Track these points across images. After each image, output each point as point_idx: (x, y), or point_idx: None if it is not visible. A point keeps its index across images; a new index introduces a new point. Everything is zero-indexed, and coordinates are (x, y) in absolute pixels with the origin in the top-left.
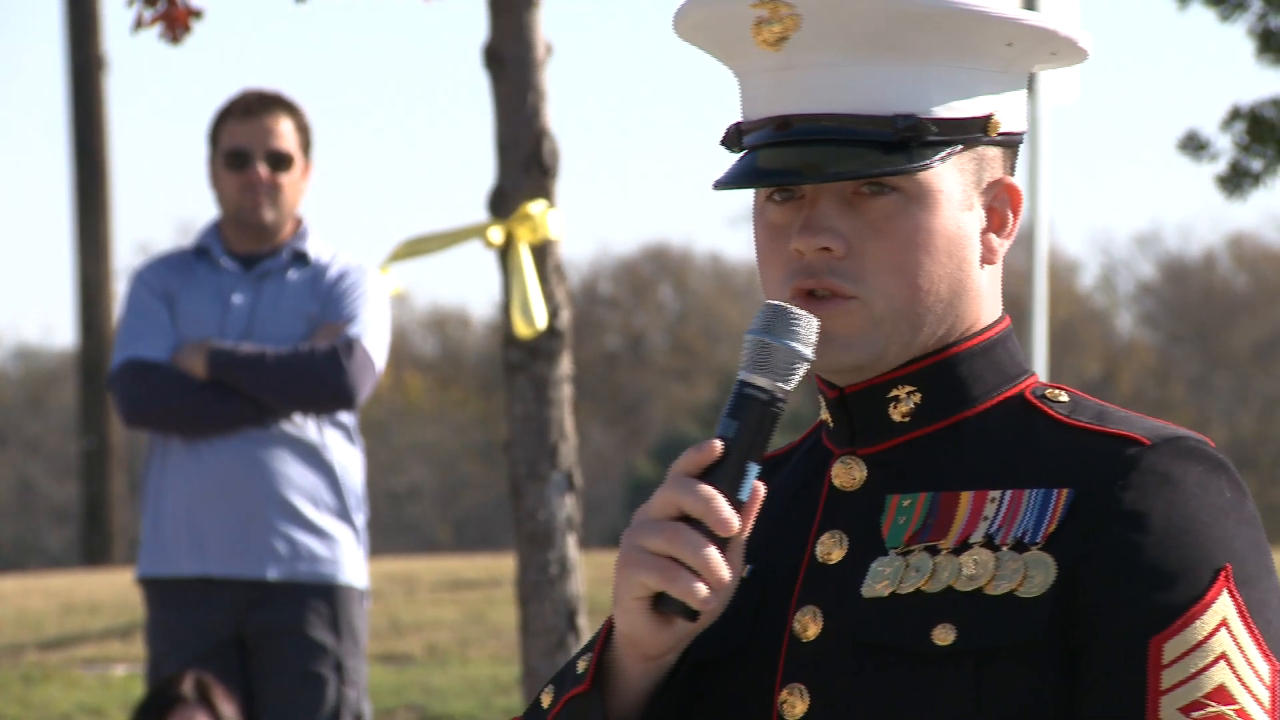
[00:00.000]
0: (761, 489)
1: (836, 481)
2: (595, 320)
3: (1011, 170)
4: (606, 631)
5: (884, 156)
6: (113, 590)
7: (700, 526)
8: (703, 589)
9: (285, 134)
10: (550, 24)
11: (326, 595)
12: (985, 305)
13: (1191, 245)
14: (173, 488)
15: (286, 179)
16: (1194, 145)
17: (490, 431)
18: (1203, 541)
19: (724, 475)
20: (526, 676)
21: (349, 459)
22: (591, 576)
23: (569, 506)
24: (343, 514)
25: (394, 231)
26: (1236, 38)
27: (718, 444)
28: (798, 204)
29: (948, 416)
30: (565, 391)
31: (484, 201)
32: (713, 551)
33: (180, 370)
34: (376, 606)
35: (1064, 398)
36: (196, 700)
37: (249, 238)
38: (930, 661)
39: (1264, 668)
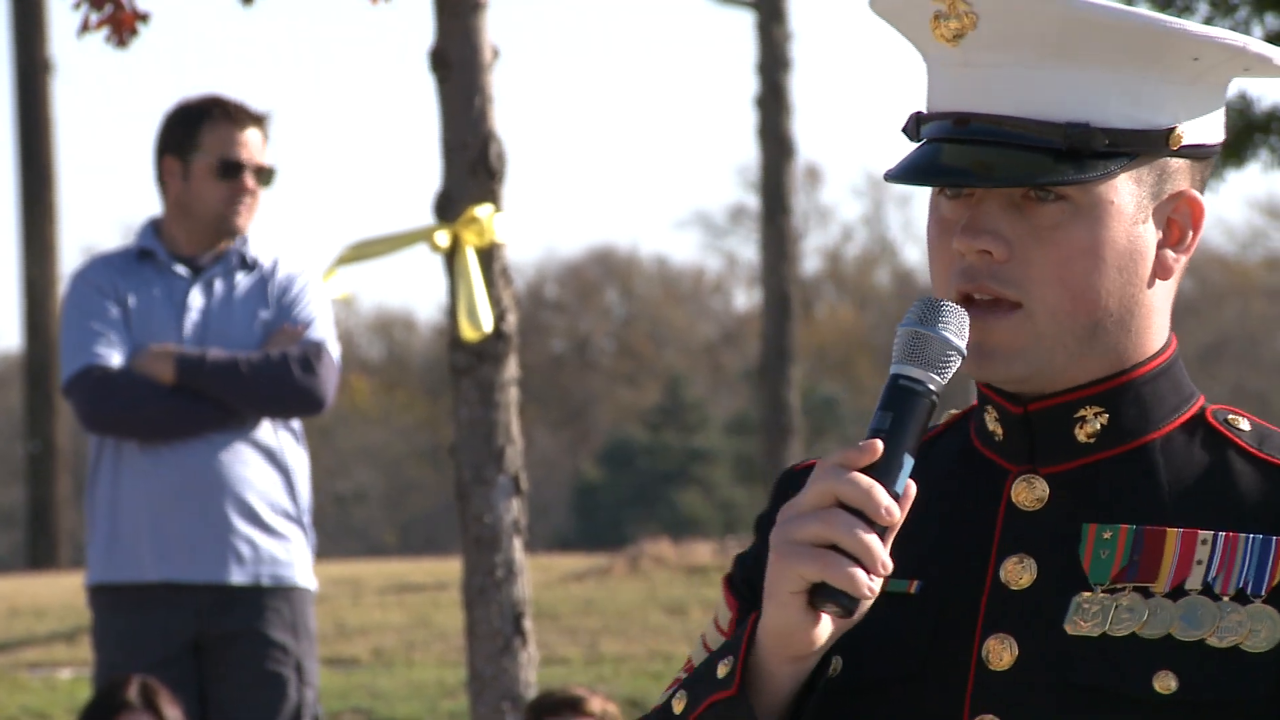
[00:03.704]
0: (913, 486)
1: (1016, 500)
2: (541, 324)
3: (1201, 184)
4: (750, 633)
5: (1053, 164)
6: (58, 594)
7: (858, 516)
8: (864, 576)
9: (264, 147)
10: (497, 27)
11: (286, 597)
12: (1159, 322)
13: None
14: (130, 492)
15: (263, 191)
16: None
17: (436, 435)
18: None
19: (881, 467)
20: (473, 680)
21: (299, 461)
22: (538, 580)
23: (515, 510)
24: (296, 516)
25: (340, 235)
26: None
27: (878, 443)
28: (967, 201)
29: (1133, 439)
30: (511, 395)
31: (430, 205)
32: (873, 537)
33: (145, 376)
34: (322, 610)
35: (1245, 425)
36: (142, 706)
37: (202, 241)
38: (1147, 709)
39: None
